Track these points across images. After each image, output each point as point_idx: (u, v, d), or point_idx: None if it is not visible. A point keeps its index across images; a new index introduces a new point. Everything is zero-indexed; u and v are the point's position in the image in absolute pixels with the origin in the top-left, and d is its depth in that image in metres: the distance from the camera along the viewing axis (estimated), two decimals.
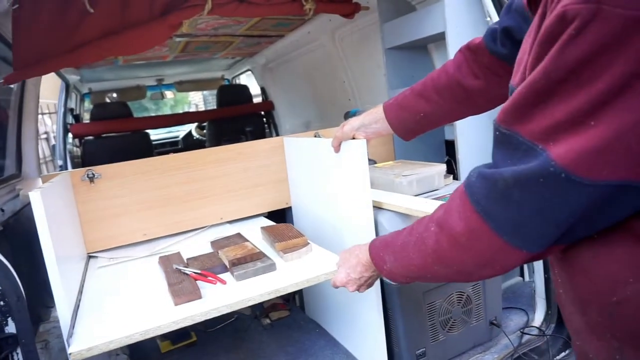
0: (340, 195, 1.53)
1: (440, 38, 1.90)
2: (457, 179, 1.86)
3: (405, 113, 1.10)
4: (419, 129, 1.13)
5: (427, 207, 1.42)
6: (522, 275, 2.12)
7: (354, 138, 1.28)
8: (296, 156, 1.85)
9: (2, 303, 0.98)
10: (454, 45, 1.77)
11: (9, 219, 1.64)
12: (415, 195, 1.62)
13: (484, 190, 0.59)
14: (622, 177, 0.49)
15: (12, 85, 2.01)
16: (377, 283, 1.46)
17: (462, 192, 0.64)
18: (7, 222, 1.60)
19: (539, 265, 1.76)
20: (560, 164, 0.50)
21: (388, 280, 1.51)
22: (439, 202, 1.52)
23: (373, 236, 1.42)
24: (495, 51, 0.93)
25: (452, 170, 1.97)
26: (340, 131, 1.30)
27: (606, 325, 0.60)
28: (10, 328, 0.99)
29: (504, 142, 0.57)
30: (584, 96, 0.48)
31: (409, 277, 0.84)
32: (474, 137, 1.79)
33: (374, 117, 1.18)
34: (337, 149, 1.38)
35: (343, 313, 1.74)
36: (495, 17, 1.72)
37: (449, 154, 2.16)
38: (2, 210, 1.58)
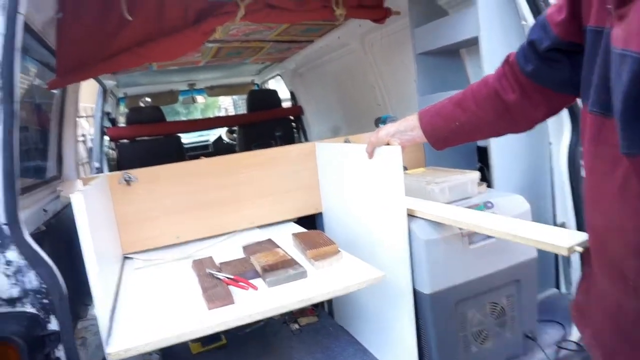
0: (374, 202, 1.52)
1: (473, 43, 1.87)
2: (490, 187, 1.82)
3: (440, 120, 1.10)
4: (452, 139, 1.12)
5: (460, 215, 1.40)
6: (557, 286, 2.06)
7: (388, 144, 1.28)
8: (328, 162, 1.85)
9: (46, 301, 1.02)
10: (487, 50, 1.74)
11: (50, 219, 1.70)
12: (448, 203, 1.60)
13: None
14: None
15: (54, 90, 2.09)
16: (410, 291, 1.44)
17: None
18: (49, 222, 1.66)
19: (576, 276, 1.70)
20: None
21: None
22: (472, 211, 1.50)
23: (406, 244, 1.41)
24: (524, 69, 0.93)
25: (484, 177, 1.93)
26: (375, 137, 1.30)
27: None
28: (53, 325, 1.03)
29: None
30: None
31: None
32: (507, 143, 1.75)
33: (410, 124, 1.17)
34: (371, 154, 1.38)
35: (373, 321, 1.72)
36: (530, 20, 1.68)
37: (481, 160, 2.11)
38: (45, 211, 1.65)
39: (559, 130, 1.75)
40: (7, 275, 0.99)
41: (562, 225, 1.81)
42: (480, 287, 1.54)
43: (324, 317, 2.14)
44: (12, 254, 0.99)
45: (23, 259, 0.99)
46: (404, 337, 1.49)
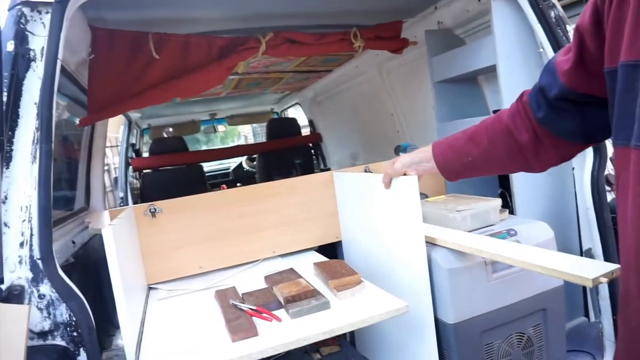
0: (392, 230, 1.52)
1: (491, 70, 1.89)
2: (513, 213, 1.80)
3: (454, 154, 1.10)
4: (465, 173, 1.12)
5: (482, 244, 1.39)
6: (587, 315, 1.99)
7: (405, 174, 1.29)
8: (346, 191, 1.87)
9: (75, 334, 1.04)
10: (505, 77, 1.75)
11: (78, 250, 1.75)
12: (470, 231, 1.59)
13: None
14: None
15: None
16: (431, 321, 1.42)
17: None
18: (77, 254, 1.71)
19: (605, 305, 1.66)
20: None
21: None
22: (495, 239, 1.48)
23: (426, 273, 1.40)
24: (536, 115, 0.91)
25: (506, 204, 1.91)
26: (391, 168, 1.31)
27: None
28: (82, 358, 1.05)
29: None
30: None
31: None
32: None
33: (425, 156, 1.18)
34: (387, 185, 1.39)
35: (396, 350, 1.70)
36: (548, 48, 1.68)
37: (502, 186, 2.10)
38: (74, 243, 1.70)
39: (581, 155, 1.73)
40: (40, 309, 1.02)
41: (589, 252, 1.77)
42: (505, 316, 1.51)
43: (345, 346, 2.11)
44: (45, 288, 1.03)
45: (55, 292, 1.03)
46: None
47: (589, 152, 1.71)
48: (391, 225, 1.52)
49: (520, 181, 1.76)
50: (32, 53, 1.11)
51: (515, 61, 1.75)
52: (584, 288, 1.90)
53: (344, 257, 1.99)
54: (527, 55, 1.76)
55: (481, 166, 1.06)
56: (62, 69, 1.60)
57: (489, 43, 1.79)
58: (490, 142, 1.01)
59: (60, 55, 1.13)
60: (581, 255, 1.77)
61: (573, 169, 1.78)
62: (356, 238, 1.87)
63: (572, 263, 1.08)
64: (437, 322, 1.47)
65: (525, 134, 0.94)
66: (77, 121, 1.90)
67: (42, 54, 1.12)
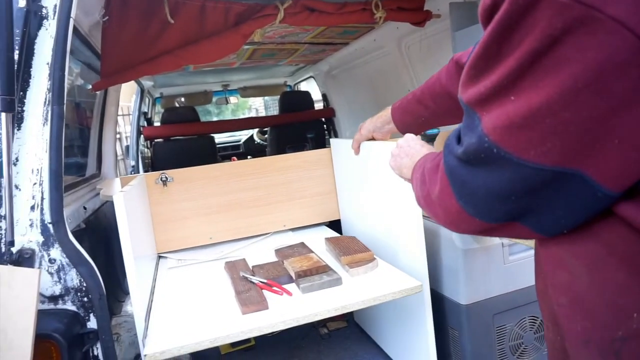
0: (390, 205, 1.50)
1: None
2: None
3: (409, 117, 1.18)
4: (423, 129, 1.21)
5: None
6: None
7: (373, 139, 1.38)
8: (343, 165, 1.85)
9: (86, 300, 1.04)
10: None
11: (89, 216, 1.75)
12: None
13: (449, 157, 0.60)
14: (556, 163, 0.46)
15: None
16: (428, 297, 1.38)
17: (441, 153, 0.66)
18: (89, 220, 1.71)
19: None
20: (492, 139, 0.49)
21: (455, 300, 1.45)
22: None
23: (422, 247, 1.38)
24: None
25: None
26: (358, 134, 1.41)
27: None
28: (92, 324, 1.05)
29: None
30: (502, 70, 0.47)
31: None
32: None
33: (385, 120, 1.28)
34: (357, 150, 1.48)
35: (392, 327, 1.67)
36: None
37: None
38: (85, 209, 1.69)
39: None
40: (50, 273, 1.01)
41: None
42: (519, 299, 1.49)
43: (352, 322, 2.12)
44: (56, 253, 1.01)
45: (65, 257, 1.02)
46: (422, 344, 1.44)
47: None
48: (388, 200, 1.50)
49: None
50: (44, 10, 1.07)
51: None
52: None
53: (342, 232, 1.96)
54: None
55: (435, 123, 1.17)
56: (75, 30, 1.56)
57: None
58: (435, 103, 1.08)
59: (72, 14, 1.08)
60: None
61: None
62: (354, 215, 1.84)
63: None
64: (450, 303, 1.45)
65: None
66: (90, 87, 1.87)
67: (54, 12, 1.07)
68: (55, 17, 1.07)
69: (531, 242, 1.20)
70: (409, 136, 0.97)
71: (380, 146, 1.39)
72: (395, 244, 1.50)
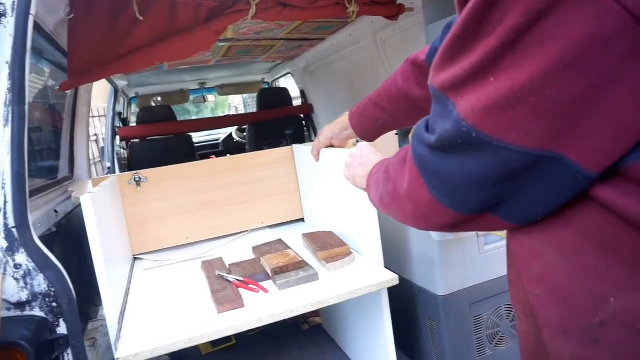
0: (344, 202, 1.51)
1: None
2: None
3: (367, 121, 1.17)
4: (381, 133, 1.21)
5: None
6: None
7: (332, 146, 1.36)
8: (305, 167, 1.85)
9: (54, 305, 1.01)
10: None
11: (61, 220, 1.70)
12: None
13: (418, 147, 0.59)
14: (538, 146, 0.45)
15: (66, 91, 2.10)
16: (385, 291, 1.36)
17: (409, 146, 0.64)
18: (60, 224, 1.66)
19: None
20: (470, 123, 0.47)
21: (430, 290, 1.47)
22: None
23: (379, 241, 1.38)
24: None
25: None
26: (317, 141, 1.39)
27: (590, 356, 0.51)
28: (62, 329, 1.02)
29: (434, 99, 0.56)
30: (482, 50, 0.45)
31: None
32: None
33: (343, 126, 1.26)
34: (316, 157, 1.46)
35: (352, 317, 1.67)
36: None
37: None
38: (56, 212, 1.65)
39: None
40: (16, 279, 0.98)
41: None
42: (495, 289, 1.51)
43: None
44: (21, 257, 0.98)
45: (32, 262, 0.99)
46: (380, 338, 1.42)
47: None
48: (344, 200, 1.51)
49: None
50: (1, 7, 1.03)
51: None
52: None
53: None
54: None
55: (392, 126, 1.16)
56: (39, 28, 1.52)
57: None
58: (393, 105, 1.07)
59: (32, 11, 1.05)
60: None
61: None
62: (316, 213, 1.84)
63: None
64: (427, 295, 1.46)
65: (421, 90, 0.99)
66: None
67: (12, 9, 1.03)
68: (14, 14, 1.04)
69: (503, 233, 1.22)
70: (363, 144, 0.97)
71: (333, 154, 1.39)
72: (354, 243, 1.50)
